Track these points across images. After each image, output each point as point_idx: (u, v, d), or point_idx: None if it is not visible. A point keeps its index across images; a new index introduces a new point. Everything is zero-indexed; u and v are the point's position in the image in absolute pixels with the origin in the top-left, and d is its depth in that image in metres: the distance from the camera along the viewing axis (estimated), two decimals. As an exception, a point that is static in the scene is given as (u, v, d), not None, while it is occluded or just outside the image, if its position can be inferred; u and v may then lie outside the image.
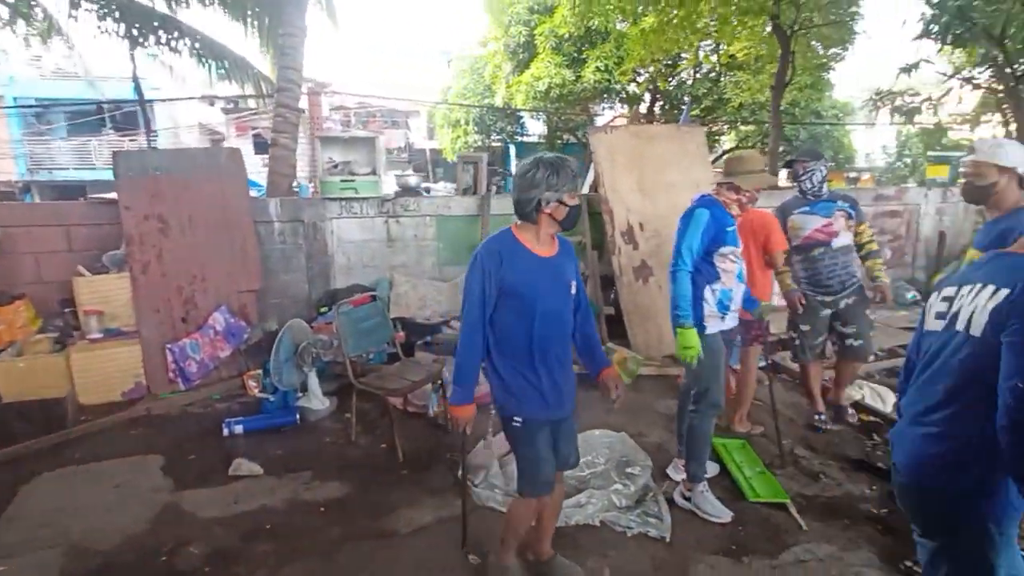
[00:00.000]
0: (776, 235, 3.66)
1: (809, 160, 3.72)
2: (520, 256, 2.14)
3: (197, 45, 7.91)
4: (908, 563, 2.56)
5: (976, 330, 1.50)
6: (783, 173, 9.18)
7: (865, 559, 2.65)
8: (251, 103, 15.53)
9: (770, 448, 3.66)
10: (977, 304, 1.52)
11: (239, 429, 3.87)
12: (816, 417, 4.00)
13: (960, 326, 1.56)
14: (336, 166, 5.56)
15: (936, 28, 9.49)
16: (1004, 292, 1.46)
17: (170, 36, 7.67)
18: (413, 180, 6.15)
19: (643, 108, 14.52)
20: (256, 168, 11.86)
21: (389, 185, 6.93)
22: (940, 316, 1.66)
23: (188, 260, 4.74)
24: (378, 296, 4.30)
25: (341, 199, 5.34)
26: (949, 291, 1.67)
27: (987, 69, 10.63)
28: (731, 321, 3.00)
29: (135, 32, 7.38)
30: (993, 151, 2.41)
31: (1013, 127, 10.00)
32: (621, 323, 5.28)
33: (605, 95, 13.44)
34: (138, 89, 7.66)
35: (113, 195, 4.91)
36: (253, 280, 5.02)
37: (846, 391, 4.10)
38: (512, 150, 16.49)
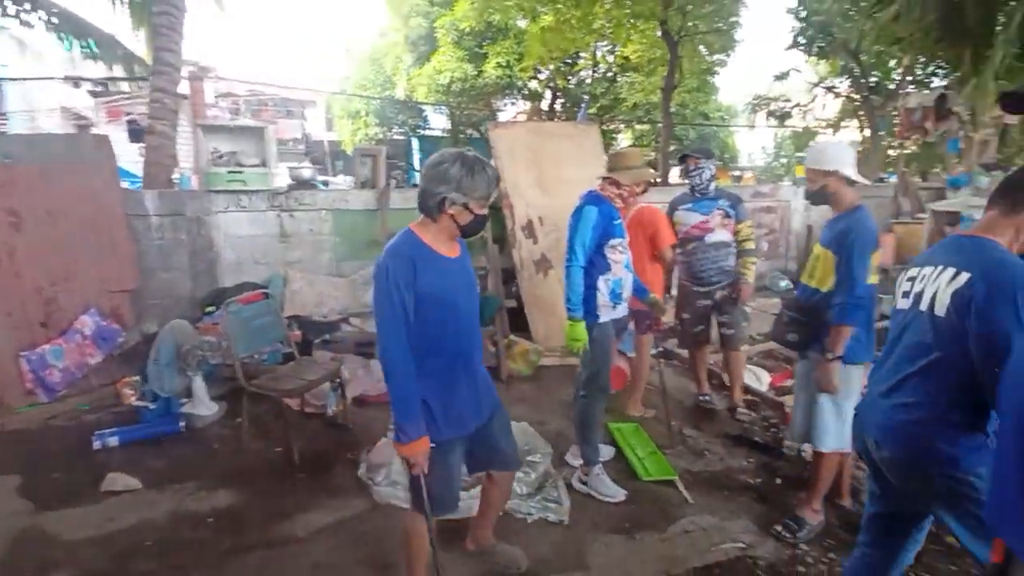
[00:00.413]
0: (664, 231, 3.83)
1: (700, 157, 3.88)
2: (432, 261, 1.95)
3: (54, 19, 7.10)
4: (778, 528, 2.82)
5: (940, 310, 1.59)
6: (675, 170, 9.76)
7: (743, 526, 2.87)
8: (124, 86, 14.15)
9: (661, 429, 3.89)
10: (939, 285, 1.61)
11: (113, 441, 3.55)
12: (700, 399, 4.29)
13: (924, 306, 1.66)
14: (222, 157, 5.21)
15: (803, 40, 10.50)
16: (965, 276, 1.54)
17: (19, 7, 6.83)
18: (307, 172, 5.91)
19: (544, 105, 14.82)
20: (133, 157, 10.84)
21: (282, 178, 6.60)
22: (905, 295, 1.77)
23: (49, 258, 4.27)
24: (270, 294, 4.10)
25: (228, 192, 5.02)
26: (913, 272, 1.77)
27: (846, 79, 11.91)
28: (622, 310, 3.14)
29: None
30: (816, 157, 2.65)
31: (868, 132, 11.26)
32: (523, 315, 5.39)
33: (507, 91, 13.59)
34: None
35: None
36: (127, 279, 4.61)
37: (738, 390, 4.26)
38: (415, 144, 16.26)
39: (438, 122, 16.48)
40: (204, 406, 3.89)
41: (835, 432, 2.69)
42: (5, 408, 4.00)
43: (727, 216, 3.90)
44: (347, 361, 4.27)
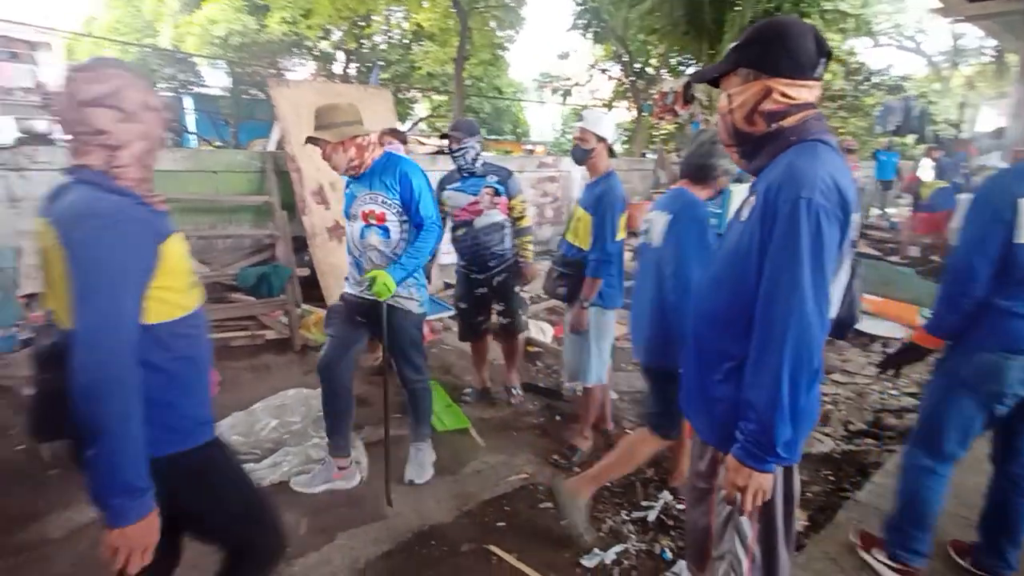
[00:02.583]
0: None
1: (464, 136, 3.44)
2: None
3: None
4: (556, 456, 3.25)
5: (658, 241, 2.31)
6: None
7: (526, 459, 3.25)
8: None
9: (457, 384, 4.15)
10: (658, 224, 2.33)
11: None
12: (465, 391, 4.05)
13: (653, 240, 2.35)
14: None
15: (581, 23, 11.45)
16: (668, 216, 2.30)
17: None
18: (42, 125, 4.94)
19: (338, 69, 14.14)
20: None
21: (8, 133, 5.44)
22: (644, 233, 2.44)
23: None
24: (-2, 270, 3.44)
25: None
26: (649, 216, 2.43)
27: (617, 64, 13.33)
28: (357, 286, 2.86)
29: None
30: (595, 122, 2.96)
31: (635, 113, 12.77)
32: (317, 284, 5.24)
33: (295, 50, 12.67)
34: None
35: None
36: None
37: (514, 373, 4.03)
38: (190, 103, 14.38)
39: (216, 80, 14.74)
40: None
41: (596, 369, 3.15)
42: None
43: (497, 194, 3.54)
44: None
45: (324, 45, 13.18)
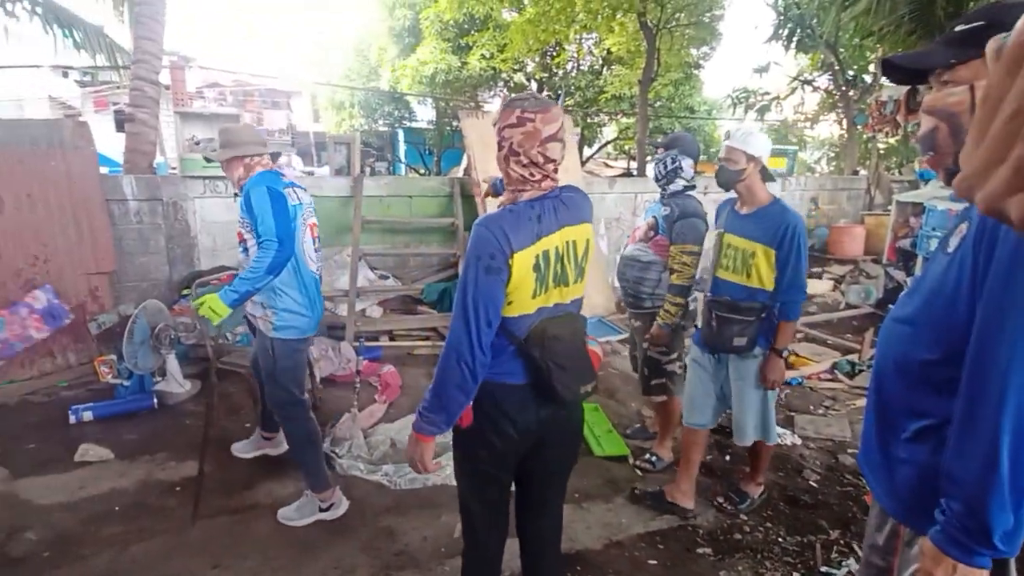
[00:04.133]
0: None
1: (666, 146, 3.12)
2: None
3: (38, 8, 7.17)
4: (720, 499, 3.00)
5: None
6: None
7: (687, 495, 3.06)
8: (113, 77, 14.17)
9: (621, 410, 4.06)
10: None
11: (88, 415, 3.68)
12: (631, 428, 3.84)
13: None
14: (198, 143, 5.31)
15: (783, 33, 10.62)
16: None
17: (2, -3, 6.90)
18: (282, 160, 6.00)
19: (530, 97, 14.90)
20: (119, 146, 10.87)
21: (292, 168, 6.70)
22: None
23: (28, 240, 4.38)
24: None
25: (205, 178, 5.12)
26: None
27: (825, 73, 12.07)
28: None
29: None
30: (744, 139, 2.57)
31: (846, 125, 11.42)
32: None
33: (491, 83, 13.68)
34: (-37, 53, 6.82)
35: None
36: (105, 262, 4.71)
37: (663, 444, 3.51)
38: (400, 135, 16.31)
39: (424, 113, 16.52)
40: (176, 384, 4.02)
41: (774, 421, 2.83)
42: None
43: (656, 230, 3.12)
44: (317, 343, 4.40)
45: (518, 77, 14.02)
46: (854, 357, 4.96)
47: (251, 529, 2.74)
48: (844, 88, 10.99)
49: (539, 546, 1.90)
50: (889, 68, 1.23)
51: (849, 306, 6.94)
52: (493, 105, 15.59)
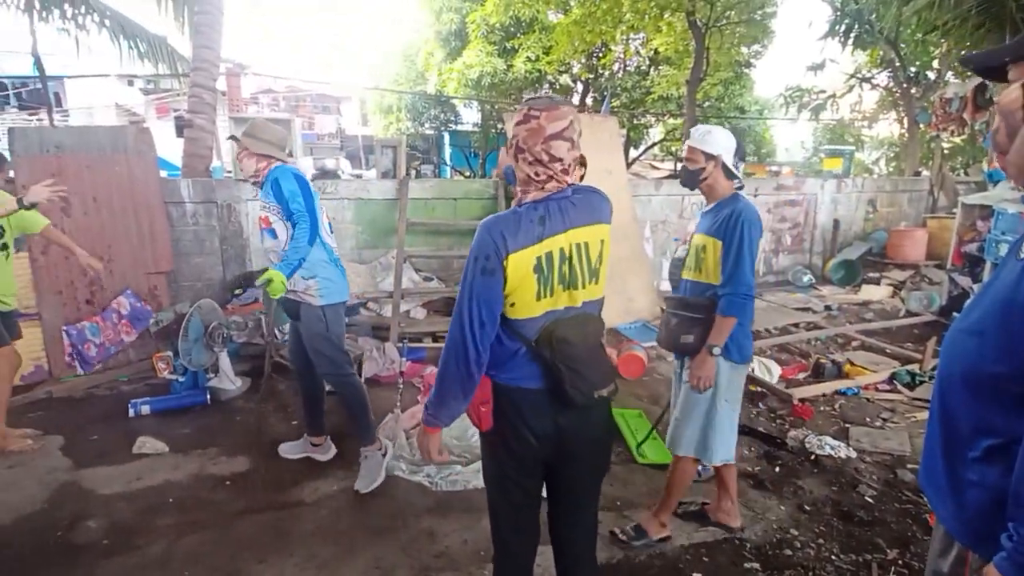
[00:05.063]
0: None
1: None
2: None
3: (107, 21, 7.58)
4: (771, 516, 2.89)
5: None
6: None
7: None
8: (174, 84, 14.87)
9: (666, 417, 3.96)
10: None
11: (146, 409, 3.85)
12: None
13: None
14: (230, 137, 5.46)
15: (840, 29, 10.21)
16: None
17: (76, 11, 7.33)
18: (330, 163, 6.17)
19: (576, 99, 14.83)
20: (179, 150, 11.39)
21: (308, 170, 6.88)
22: None
23: (94, 241, 4.60)
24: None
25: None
26: None
27: (885, 70, 11.55)
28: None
29: (36, 5, 7.02)
30: (702, 138, 2.46)
31: (907, 124, 10.90)
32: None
33: (537, 85, 13.65)
34: (39, 65, 7.26)
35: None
36: (163, 262, 4.93)
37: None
38: (446, 138, 16.48)
39: (469, 116, 16.65)
40: (229, 381, 4.15)
41: (725, 442, 2.54)
42: (52, 378, 4.36)
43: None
44: (362, 342, 4.48)
45: (564, 79, 13.96)
46: (915, 367, 4.71)
47: (296, 526, 2.79)
48: (905, 85, 10.49)
49: (572, 555, 1.86)
50: (969, 63, 1.21)
51: (910, 313, 6.59)
52: (537, 107, 15.61)
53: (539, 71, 12.69)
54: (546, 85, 14.29)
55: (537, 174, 1.54)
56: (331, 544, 2.65)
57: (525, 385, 1.59)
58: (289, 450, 3.44)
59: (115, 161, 4.72)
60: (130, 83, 16.92)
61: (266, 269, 2.80)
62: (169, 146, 10.23)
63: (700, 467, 3.25)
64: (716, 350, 2.38)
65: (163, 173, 5.81)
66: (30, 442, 3.46)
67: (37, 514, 2.85)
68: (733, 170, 2.46)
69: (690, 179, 2.52)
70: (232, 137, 3.04)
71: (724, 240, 2.36)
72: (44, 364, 4.37)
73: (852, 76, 11.47)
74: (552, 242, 1.53)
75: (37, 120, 15.00)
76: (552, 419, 1.61)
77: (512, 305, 1.55)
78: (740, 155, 3.02)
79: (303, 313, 2.97)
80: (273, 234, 2.92)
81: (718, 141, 2.43)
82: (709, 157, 2.44)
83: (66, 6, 7.24)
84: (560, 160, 1.53)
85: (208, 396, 4.03)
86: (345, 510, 2.90)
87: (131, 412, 3.83)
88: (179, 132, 16.20)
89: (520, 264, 1.50)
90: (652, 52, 12.65)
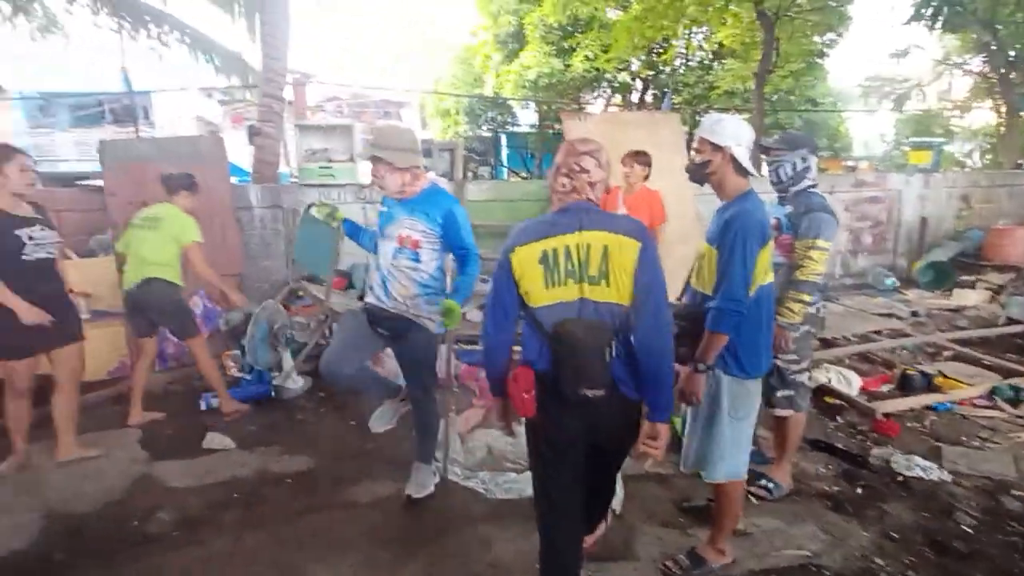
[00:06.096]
0: (656, 210, 4.05)
1: (782, 148, 2.92)
2: None
3: (187, 38, 8.06)
4: (852, 542, 2.65)
5: None
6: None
7: (810, 533, 2.72)
8: (247, 95, 15.67)
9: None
10: None
11: (215, 402, 4.01)
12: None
13: None
14: (315, 153, 5.64)
15: (929, 12, 9.50)
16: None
17: (160, 30, 7.84)
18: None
19: (635, 97, 14.51)
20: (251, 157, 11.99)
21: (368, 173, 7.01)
22: None
23: (171, 246, 4.85)
24: (354, 281, 4.40)
25: (319, 186, 5.43)
26: None
27: (979, 55, 10.65)
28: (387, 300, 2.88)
29: (126, 26, 7.55)
30: (711, 127, 2.24)
31: (1005, 112, 10.01)
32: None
33: (595, 84, 13.44)
34: (127, 81, 7.82)
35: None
36: (234, 264, 5.13)
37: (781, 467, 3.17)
38: (503, 140, 16.48)
39: (526, 118, 16.58)
40: (291, 380, 4.26)
41: (731, 459, 2.35)
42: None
43: (780, 229, 2.86)
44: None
45: (622, 76, 13.67)
46: (1018, 381, 4.26)
47: (352, 527, 2.80)
48: (1003, 70, 9.63)
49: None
50: None
51: (1010, 320, 5.98)
52: (596, 107, 15.38)
53: (597, 70, 12.47)
54: (604, 84, 14.06)
55: (563, 185, 1.87)
56: (385, 547, 2.65)
57: (547, 370, 1.84)
58: (379, 419, 3.16)
59: (191, 169, 4.94)
60: (209, 95, 17.90)
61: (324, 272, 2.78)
62: (243, 153, 10.81)
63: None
64: (701, 366, 2.21)
65: (234, 179, 6.06)
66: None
67: (116, 502, 3.01)
68: (747, 165, 2.22)
69: (694, 172, 2.32)
70: (374, 157, 2.69)
71: (719, 247, 2.17)
72: (127, 360, 4.63)
73: (941, 63, 10.64)
74: (560, 239, 1.79)
75: (130, 133, 16.17)
76: (573, 406, 1.80)
77: (527, 294, 1.83)
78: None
79: (413, 336, 2.82)
80: (417, 258, 2.73)
81: (728, 131, 2.21)
82: (716, 148, 2.21)
83: (151, 26, 7.75)
84: (587, 171, 1.85)
85: (272, 394, 4.15)
86: (399, 513, 2.90)
87: (202, 405, 4.00)
88: (251, 140, 17.05)
89: (525, 256, 1.81)
90: (716, 45, 12.18)
